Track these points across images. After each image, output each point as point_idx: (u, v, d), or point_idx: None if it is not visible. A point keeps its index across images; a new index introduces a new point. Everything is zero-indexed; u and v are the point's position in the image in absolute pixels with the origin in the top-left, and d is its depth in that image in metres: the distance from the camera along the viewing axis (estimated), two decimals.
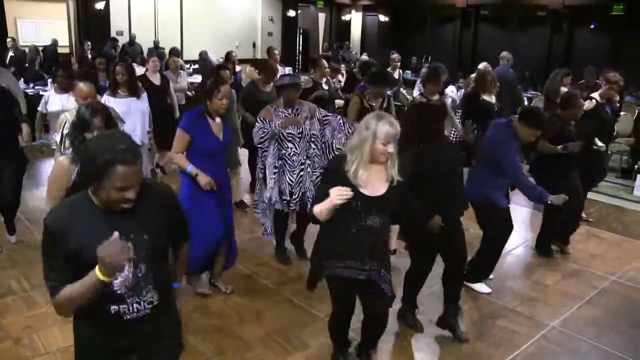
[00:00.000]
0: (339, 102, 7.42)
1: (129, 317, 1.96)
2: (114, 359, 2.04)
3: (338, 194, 2.63)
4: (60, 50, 13.09)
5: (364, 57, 7.83)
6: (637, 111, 9.23)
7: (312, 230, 4.72)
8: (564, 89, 7.16)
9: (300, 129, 4.34)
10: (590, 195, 6.03)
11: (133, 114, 5.20)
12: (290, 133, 4.31)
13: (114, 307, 1.93)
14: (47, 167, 5.89)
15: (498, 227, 4.26)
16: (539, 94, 11.36)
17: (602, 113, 5.71)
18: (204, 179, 3.76)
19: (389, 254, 3.06)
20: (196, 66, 13.12)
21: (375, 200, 2.80)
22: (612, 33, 13.52)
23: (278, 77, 5.16)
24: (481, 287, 4.47)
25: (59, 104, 5.23)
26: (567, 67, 8.20)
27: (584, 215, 5.79)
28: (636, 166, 7.58)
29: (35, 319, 3.81)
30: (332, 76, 8.48)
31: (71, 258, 1.85)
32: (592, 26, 14.23)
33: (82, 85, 3.87)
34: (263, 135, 4.32)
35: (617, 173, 8.15)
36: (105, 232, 1.80)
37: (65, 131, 3.66)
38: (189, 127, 3.82)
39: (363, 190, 2.77)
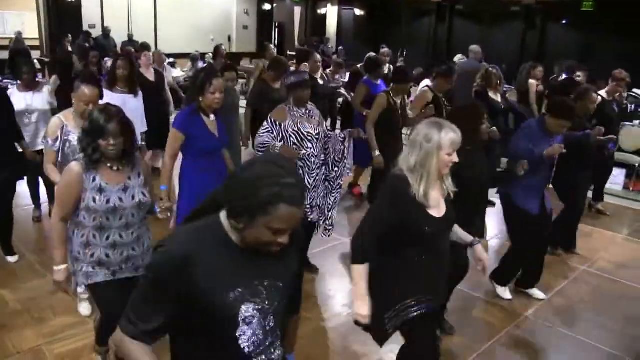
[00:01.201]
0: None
1: None
2: None
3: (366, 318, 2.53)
4: (29, 44, 12.82)
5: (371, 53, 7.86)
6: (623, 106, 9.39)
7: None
8: (532, 82, 7.26)
9: (318, 130, 4.13)
10: None
11: (128, 112, 4.80)
12: (309, 132, 4.07)
13: None
14: None
15: (516, 229, 4.15)
16: (512, 87, 11.50)
17: (608, 110, 5.75)
18: None
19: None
20: (172, 60, 12.99)
21: (442, 220, 2.50)
22: (583, 29, 13.74)
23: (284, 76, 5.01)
24: (503, 291, 4.33)
25: (23, 102, 4.87)
26: (541, 62, 8.30)
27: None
28: None
29: (5, 318, 3.72)
30: (335, 72, 8.36)
31: (189, 304, 1.49)
32: (564, 22, 14.45)
33: (85, 89, 3.29)
34: (265, 143, 4.04)
35: None
36: (238, 274, 1.53)
37: (65, 137, 3.38)
38: (183, 126, 3.60)
39: (432, 212, 2.46)
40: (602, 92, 5.89)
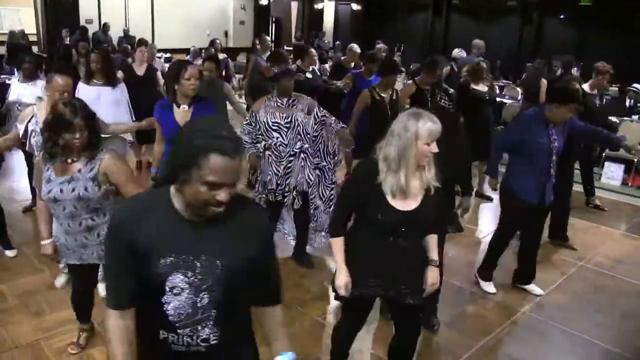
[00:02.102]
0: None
1: (178, 348, 1.66)
2: None
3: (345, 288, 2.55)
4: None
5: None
6: (605, 100, 9.39)
7: None
8: (544, 81, 7.27)
9: (290, 118, 4.11)
10: None
11: (103, 104, 4.74)
12: (275, 122, 4.08)
13: (163, 333, 1.66)
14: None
15: (509, 218, 4.19)
16: (510, 82, 11.55)
17: (590, 103, 5.70)
18: None
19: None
20: (168, 55, 12.96)
21: (406, 214, 2.44)
22: (581, 23, 13.73)
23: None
24: (487, 286, 4.36)
25: (16, 93, 4.95)
26: (538, 57, 8.32)
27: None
28: (603, 154, 7.73)
29: (3, 313, 3.73)
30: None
31: (134, 260, 1.59)
32: (561, 16, 14.44)
33: (58, 78, 3.42)
34: (244, 134, 4.16)
35: None
36: (173, 243, 1.57)
37: (31, 127, 3.56)
38: (157, 114, 3.85)
39: (394, 203, 2.43)
40: (585, 86, 5.83)
